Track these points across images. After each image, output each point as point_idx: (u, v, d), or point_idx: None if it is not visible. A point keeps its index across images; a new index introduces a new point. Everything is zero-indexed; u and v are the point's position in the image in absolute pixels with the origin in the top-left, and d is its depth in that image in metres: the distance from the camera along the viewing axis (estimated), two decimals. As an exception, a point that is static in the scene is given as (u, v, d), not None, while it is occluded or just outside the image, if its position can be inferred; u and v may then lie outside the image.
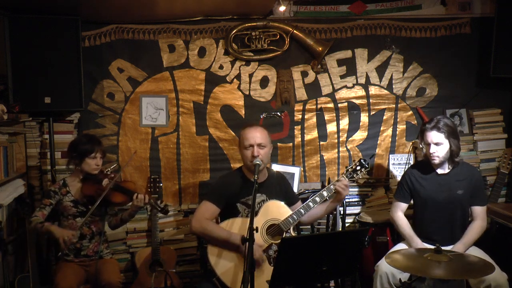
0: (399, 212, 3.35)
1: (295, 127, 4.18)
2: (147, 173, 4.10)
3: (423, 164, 3.33)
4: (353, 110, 4.20)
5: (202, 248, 3.20)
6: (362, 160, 3.16)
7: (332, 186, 3.05)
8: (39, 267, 3.45)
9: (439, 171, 3.26)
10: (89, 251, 3.32)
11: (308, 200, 3.04)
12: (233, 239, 2.85)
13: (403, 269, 2.48)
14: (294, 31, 4.03)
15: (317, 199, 3.04)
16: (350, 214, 4.07)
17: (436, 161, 3.18)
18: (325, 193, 3.06)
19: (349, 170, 3.15)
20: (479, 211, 3.22)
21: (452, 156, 3.19)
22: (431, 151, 3.16)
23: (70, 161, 3.38)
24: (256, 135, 3.01)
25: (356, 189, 4.12)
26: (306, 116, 4.19)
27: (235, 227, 2.93)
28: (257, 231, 2.74)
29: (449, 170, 3.24)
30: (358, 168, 3.14)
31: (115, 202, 3.25)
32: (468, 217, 3.27)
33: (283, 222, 2.96)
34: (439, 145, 3.14)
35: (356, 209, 4.11)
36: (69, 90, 3.66)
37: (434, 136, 3.14)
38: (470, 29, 4.15)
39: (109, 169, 3.38)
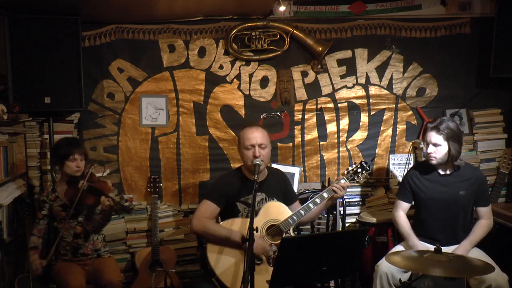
0: (400, 212, 3.35)
1: (295, 127, 4.18)
2: (147, 173, 4.10)
3: (426, 165, 3.31)
4: (353, 110, 4.20)
5: (202, 248, 3.20)
6: (363, 163, 3.16)
7: (331, 187, 3.06)
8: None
9: (442, 172, 3.25)
10: (86, 249, 3.32)
11: (309, 201, 3.04)
12: (234, 237, 2.85)
13: (403, 267, 2.47)
14: (294, 31, 4.03)
15: (318, 200, 3.04)
16: (350, 214, 4.07)
17: (433, 161, 3.17)
18: (325, 194, 3.06)
19: (350, 172, 3.15)
20: (484, 211, 3.23)
21: (451, 160, 3.17)
22: (428, 151, 3.16)
23: (53, 165, 3.41)
24: (257, 136, 3.01)
25: (356, 189, 4.12)
26: (306, 116, 4.19)
27: (235, 227, 2.93)
28: (257, 231, 2.75)
29: (451, 171, 3.24)
30: (360, 170, 3.15)
31: (88, 204, 3.17)
32: (471, 218, 3.27)
33: (283, 223, 2.96)
34: (437, 146, 3.13)
35: (356, 209, 4.11)
36: (69, 90, 3.65)
37: (432, 136, 3.13)
38: (470, 29, 4.15)
39: (89, 169, 3.28)
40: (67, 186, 3.25)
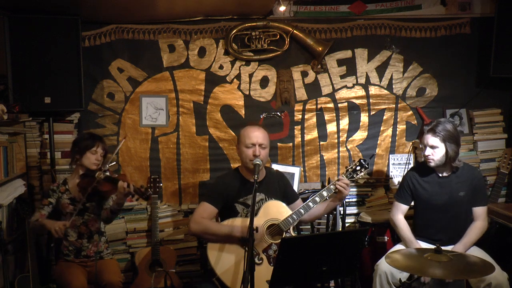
0: (400, 215, 3.32)
1: (295, 127, 4.18)
2: (147, 173, 4.10)
3: (424, 166, 3.29)
4: (353, 110, 4.20)
5: (202, 248, 3.20)
6: (362, 160, 3.15)
7: (332, 186, 3.04)
8: (39, 267, 3.44)
9: (440, 173, 3.24)
10: (89, 251, 3.33)
11: (308, 200, 3.04)
12: (236, 233, 2.85)
13: (403, 269, 2.48)
14: (294, 31, 4.03)
15: (317, 199, 3.04)
16: (350, 214, 4.07)
17: (432, 163, 3.17)
18: (325, 193, 3.05)
19: (349, 170, 3.14)
20: (480, 211, 3.21)
21: (449, 161, 3.15)
22: (426, 153, 3.16)
23: (72, 159, 3.39)
24: (259, 135, 3.01)
25: (356, 189, 4.12)
26: (306, 116, 4.19)
27: (236, 225, 2.93)
28: (257, 231, 2.75)
29: (450, 173, 3.23)
30: (358, 168, 3.14)
31: (102, 190, 3.22)
32: (471, 218, 3.26)
33: (283, 222, 2.96)
34: (434, 148, 3.12)
35: (356, 209, 4.11)
36: (69, 90, 3.65)
37: (429, 139, 3.12)
38: (470, 29, 4.15)
39: (107, 165, 3.34)
40: (81, 179, 3.26)
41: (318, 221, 3.75)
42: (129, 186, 3.10)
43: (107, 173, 3.25)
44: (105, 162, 3.36)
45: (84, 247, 3.32)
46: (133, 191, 3.11)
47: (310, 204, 3.03)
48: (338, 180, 3.04)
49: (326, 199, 3.09)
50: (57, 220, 3.36)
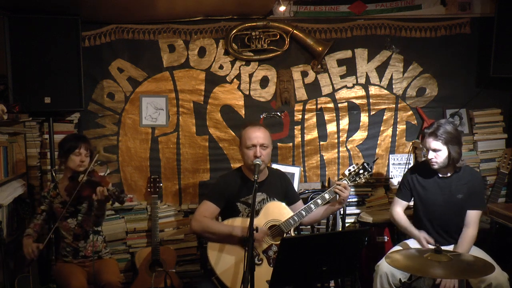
0: (398, 208, 3.35)
1: (295, 127, 4.18)
2: (147, 173, 4.10)
3: (425, 165, 3.28)
4: (353, 110, 4.20)
5: (202, 248, 3.20)
6: (365, 164, 3.14)
7: (333, 189, 3.04)
8: (39, 267, 3.44)
9: (441, 174, 3.24)
10: (86, 251, 3.32)
11: (310, 202, 3.04)
12: (236, 232, 2.85)
13: (403, 269, 2.47)
14: (294, 31, 4.03)
15: (319, 201, 3.03)
16: (350, 214, 4.07)
17: (435, 166, 3.16)
18: (327, 196, 3.04)
19: (352, 173, 3.14)
20: (473, 216, 3.14)
21: (453, 162, 3.15)
22: (429, 157, 3.14)
23: (60, 162, 3.38)
24: (259, 136, 2.99)
25: (356, 189, 4.12)
26: (306, 116, 4.19)
27: (236, 225, 2.93)
28: (257, 231, 2.75)
29: (451, 174, 3.23)
30: (361, 171, 3.14)
31: (84, 196, 3.18)
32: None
33: (284, 223, 2.95)
34: (436, 151, 3.11)
35: (356, 209, 4.11)
36: (69, 90, 3.65)
37: (431, 142, 3.11)
38: (470, 29, 4.15)
39: (92, 166, 3.29)
40: (69, 182, 3.25)
41: (318, 221, 3.75)
42: (104, 190, 3.06)
43: (91, 175, 3.20)
44: (91, 163, 3.33)
45: (81, 248, 3.31)
46: (108, 196, 3.07)
47: (312, 206, 3.02)
48: (338, 184, 3.03)
49: (328, 201, 3.08)
50: (54, 222, 3.37)
